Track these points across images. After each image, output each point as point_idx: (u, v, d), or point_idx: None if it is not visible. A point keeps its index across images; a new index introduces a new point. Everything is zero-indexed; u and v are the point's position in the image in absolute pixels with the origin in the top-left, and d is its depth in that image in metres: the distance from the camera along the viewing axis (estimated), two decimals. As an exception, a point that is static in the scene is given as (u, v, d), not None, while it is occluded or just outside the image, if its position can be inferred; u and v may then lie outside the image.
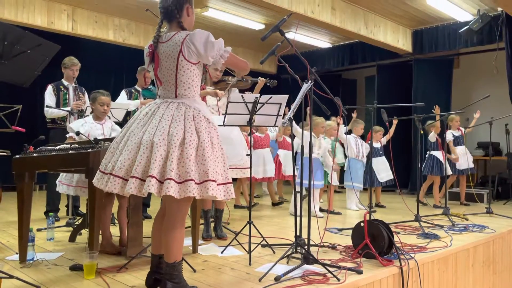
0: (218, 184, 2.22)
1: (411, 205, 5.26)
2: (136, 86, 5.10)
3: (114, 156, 2.30)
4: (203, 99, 3.87)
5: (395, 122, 6.06)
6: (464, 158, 6.42)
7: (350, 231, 3.36)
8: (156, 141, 2.18)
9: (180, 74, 2.33)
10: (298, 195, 3.41)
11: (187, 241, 3.42)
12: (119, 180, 2.21)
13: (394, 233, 3.23)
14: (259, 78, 3.85)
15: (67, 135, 3.73)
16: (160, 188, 2.14)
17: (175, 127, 2.22)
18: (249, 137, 5.54)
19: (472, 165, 6.57)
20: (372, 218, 3.57)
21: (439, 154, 6.33)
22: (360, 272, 2.78)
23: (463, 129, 6.67)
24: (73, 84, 4.87)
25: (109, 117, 4.04)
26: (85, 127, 3.64)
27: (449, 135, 6.46)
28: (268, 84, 3.69)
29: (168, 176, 2.12)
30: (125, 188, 2.18)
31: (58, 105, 4.76)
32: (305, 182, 3.29)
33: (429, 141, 6.42)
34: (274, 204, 6.32)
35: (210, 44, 2.31)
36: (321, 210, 5.45)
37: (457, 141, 6.54)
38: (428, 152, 6.49)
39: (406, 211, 5.26)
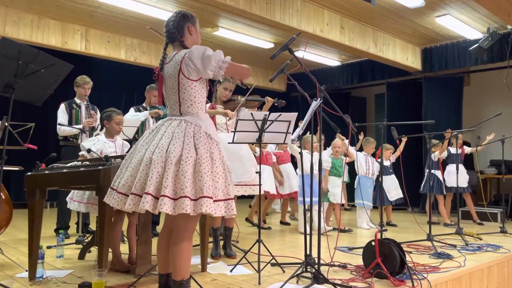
0: (216, 201, 2.21)
1: (423, 224, 5.18)
2: (143, 104, 5.15)
3: (121, 173, 2.37)
4: (213, 118, 3.89)
5: (404, 140, 6.05)
6: (453, 176, 5.99)
7: (361, 250, 3.31)
8: (154, 159, 2.22)
9: (182, 92, 2.37)
10: (307, 213, 3.38)
11: (196, 260, 3.39)
12: (122, 197, 2.28)
13: (406, 253, 3.17)
14: (266, 97, 3.86)
15: (80, 153, 3.77)
16: (155, 205, 2.16)
17: (174, 144, 2.25)
18: (265, 154, 5.55)
19: (465, 185, 6.45)
20: (383, 237, 3.52)
21: (439, 173, 6.42)
22: (371, 292, 2.73)
23: (467, 148, 6.65)
24: (85, 103, 4.94)
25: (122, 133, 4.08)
26: (97, 145, 3.67)
27: (444, 153, 6.45)
28: (276, 104, 3.69)
29: (162, 193, 2.14)
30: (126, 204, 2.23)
31: (70, 123, 4.83)
32: (315, 199, 3.26)
33: (432, 160, 6.33)
34: (282, 222, 6.26)
35: (207, 58, 2.32)
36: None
37: (452, 158, 6.50)
38: (427, 171, 6.40)
39: (418, 230, 5.18)
